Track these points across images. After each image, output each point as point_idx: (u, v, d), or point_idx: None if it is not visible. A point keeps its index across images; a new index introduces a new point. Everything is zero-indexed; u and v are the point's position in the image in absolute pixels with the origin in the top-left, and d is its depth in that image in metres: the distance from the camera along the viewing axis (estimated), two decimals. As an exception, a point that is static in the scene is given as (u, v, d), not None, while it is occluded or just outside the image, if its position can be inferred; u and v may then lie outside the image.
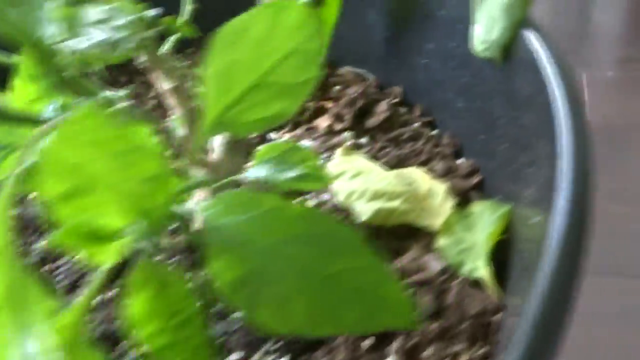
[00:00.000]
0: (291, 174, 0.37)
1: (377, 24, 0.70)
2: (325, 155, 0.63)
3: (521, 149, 0.43)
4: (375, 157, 0.62)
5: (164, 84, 0.57)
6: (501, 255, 0.44)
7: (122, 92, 0.48)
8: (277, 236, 0.28)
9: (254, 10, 0.33)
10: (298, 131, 0.68)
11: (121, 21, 0.35)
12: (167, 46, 0.55)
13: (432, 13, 0.61)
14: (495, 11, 0.45)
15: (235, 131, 0.35)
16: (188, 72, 0.52)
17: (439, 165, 0.58)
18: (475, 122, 0.56)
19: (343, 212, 0.55)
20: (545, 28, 0.43)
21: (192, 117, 0.57)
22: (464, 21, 0.54)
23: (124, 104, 0.47)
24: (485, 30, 0.48)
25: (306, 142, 0.65)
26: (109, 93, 0.50)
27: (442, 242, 0.48)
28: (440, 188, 0.53)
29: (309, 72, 0.36)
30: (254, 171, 0.37)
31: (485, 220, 0.48)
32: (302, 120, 0.70)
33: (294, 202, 0.59)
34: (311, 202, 0.58)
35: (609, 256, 1.32)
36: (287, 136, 0.67)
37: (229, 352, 0.46)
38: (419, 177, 0.56)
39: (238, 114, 0.34)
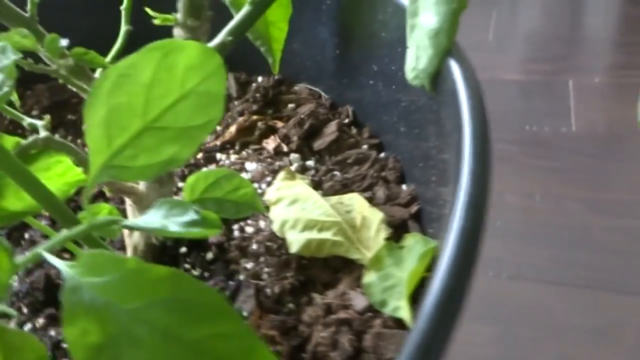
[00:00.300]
0: (187, 217, 0.36)
1: (329, 41, 0.69)
2: (269, 179, 0.62)
3: (444, 182, 0.42)
4: (320, 182, 0.61)
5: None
6: (421, 294, 0.43)
7: (40, 122, 0.47)
8: (140, 300, 0.26)
9: (141, 51, 0.32)
10: (245, 152, 0.67)
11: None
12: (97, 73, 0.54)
13: (376, 34, 0.60)
14: (423, 39, 0.44)
15: (125, 178, 0.33)
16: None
17: (380, 191, 0.57)
18: (414, 148, 0.55)
19: (278, 241, 0.53)
20: (467, 60, 0.41)
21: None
22: (403, 44, 0.52)
23: (43, 133, 0.46)
24: (414, 57, 0.46)
25: (252, 165, 0.64)
26: (29, 121, 0.49)
27: (369, 277, 0.46)
28: (376, 217, 0.52)
29: (208, 114, 0.35)
30: (148, 217, 0.36)
31: (413, 255, 0.46)
32: (250, 140, 0.68)
33: (235, 227, 0.58)
34: (249, 229, 0.56)
35: (591, 269, 1.31)
36: (233, 158, 0.65)
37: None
38: (357, 205, 0.54)
39: (127, 159, 0.33)
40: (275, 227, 0.53)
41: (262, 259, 0.52)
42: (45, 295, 0.55)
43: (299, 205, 0.54)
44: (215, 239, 0.56)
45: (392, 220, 0.53)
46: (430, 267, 0.45)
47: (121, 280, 0.27)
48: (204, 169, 0.63)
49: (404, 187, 0.58)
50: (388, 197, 0.56)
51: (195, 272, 0.55)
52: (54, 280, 0.55)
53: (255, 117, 0.70)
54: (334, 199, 0.56)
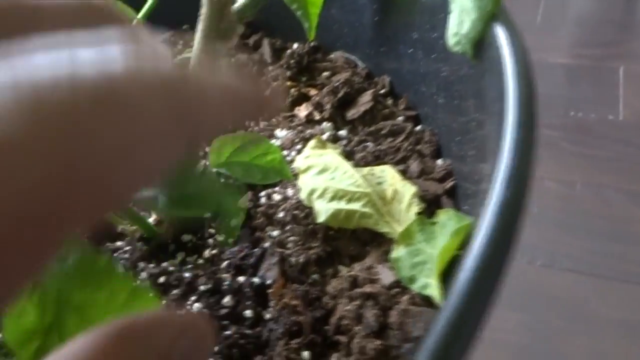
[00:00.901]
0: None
1: (367, 6, 0.66)
2: (299, 146, 0.60)
3: (482, 158, 0.39)
4: (351, 152, 0.59)
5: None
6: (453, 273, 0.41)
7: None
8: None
9: None
10: (276, 118, 0.65)
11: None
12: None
13: (419, -1, 0.57)
14: (466, 1, 0.41)
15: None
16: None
17: (414, 165, 0.55)
18: (452, 121, 0.52)
19: (305, 210, 0.52)
20: (515, 23, 0.38)
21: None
22: (445, 10, 0.49)
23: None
24: (457, 21, 0.43)
25: (282, 132, 0.62)
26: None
27: (398, 252, 0.44)
28: (408, 191, 0.50)
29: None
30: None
31: (446, 232, 0.44)
32: (283, 107, 0.66)
33: (262, 194, 0.57)
34: (276, 197, 0.55)
35: (629, 263, 1.25)
36: (263, 124, 0.64)
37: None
38: (389, 177, 0.52)
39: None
40: (303, 196, 0.51)
41: (288, 227, 0.51)
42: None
43: (328, 175, 0.52)
44: (243, 205, 0.55)
45: (425, 194, 0.50)
46: (464, 245, 0.42)
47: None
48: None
49: (439, 161, 0.56)
50: (422, 171, 0.54)
51: (220, 238, 0.54)
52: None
53: (288, 83, 0.67)
54: (366, 170, 0.53)
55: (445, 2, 0.50)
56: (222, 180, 0.56)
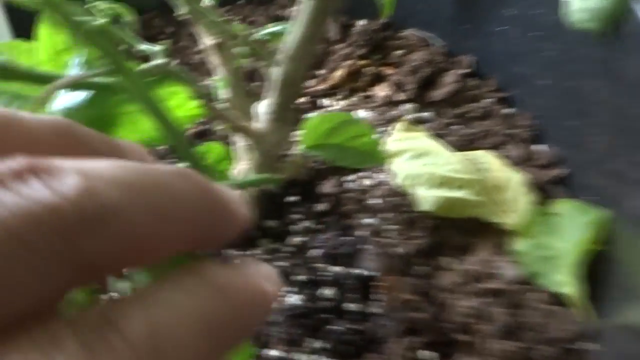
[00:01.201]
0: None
1: (450, -19, 0.62)
2: (382, 129, 0.56)
3: (628, 143, 0.36)
4: (439, 135, 0.55)
5: (206, 40, 0.51)
6: (594, 270, 0.37)
7: (159, 47, 0.43)
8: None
9: None
10: (354, 99, 0.61)
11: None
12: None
13: (520, -28, 0.53)
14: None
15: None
16: (230, 28, 0.45)
17: (514, 150, 0.51)
18: (563, 104, 0.48)
19: (401, 197, 0.48)
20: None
21: (235, 77, 0.50)
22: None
23: (161, 60, 0.41)
24: (588, -4, 0.39)
25: (362, 113, 0.58)
26: (144, 47, 0.45)
27: (520, 245, 0.41)
28: (516, 178, 0.46)
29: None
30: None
31: (574, 225, 0.41)
32: (358, 86, 0.63)
33: (349, 178, 0.53)
34: (366, 182, 0.51)
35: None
36: (341, 104, 0.60)
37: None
38: (490, 163, 0.48)
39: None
40: (399, 181, 0.48)
41: (383, 215, 0.47)
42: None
43: (425, 159, 0.48)
44: (329, 190, 0.52)
45: (531, 182, 0.47)
46: (599, 240, 0.39)
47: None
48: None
49: (540, 147, 0.52)
50: (524, 157, 0.50)
51: (307, 224, 0.51)
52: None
53: (361, 62, 0.64)
54: (461, 155, 0.50)
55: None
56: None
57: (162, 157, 0.55)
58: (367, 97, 0.61)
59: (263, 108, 0.45)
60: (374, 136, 0.47)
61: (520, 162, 0.50)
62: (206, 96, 0.42)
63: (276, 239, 0.50)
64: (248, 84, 0.64)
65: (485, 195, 0.45)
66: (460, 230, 0.45)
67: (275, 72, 0.42)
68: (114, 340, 0.10)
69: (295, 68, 0.41)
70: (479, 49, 0.61)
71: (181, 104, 0.43)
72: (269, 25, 0.51)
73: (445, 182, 0.46)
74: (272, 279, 0.14)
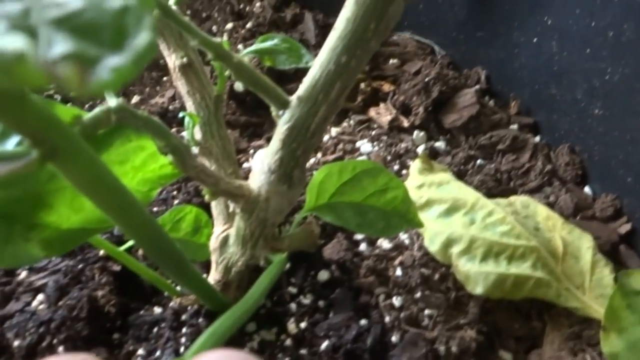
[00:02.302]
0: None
1: (459, -22, 0.51)
2: (396, 166, 0.45)
3: None
4: (460, 173, 0.44)
5: (169, 58, 0.37)
6: None
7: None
8: None
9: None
10: (349, 123, 0.49)
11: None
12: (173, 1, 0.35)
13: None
14: None
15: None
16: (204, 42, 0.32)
17: (562, 195, 0.41)
18: (619, 137, 0.39)
19: (438, 268, 0.37)
20: None
21: (211, 110, 0.37)
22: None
23: (114, 103, 0.28)
24: None
25: (365, 144, 0.46)
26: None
27: (611, 344, 0.31)
28: (586, 241, 0.36)
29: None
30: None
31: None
32: (352, 107, 0.51)
33: (361, 237, 0.41)
34: (384, 244, 0.40)
35: None
36: (333, 132, 0.48)
37: None
38: (542, 216, 0.38)
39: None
40: (432, 247, 0.37)
41: (417, 294, 0.36)
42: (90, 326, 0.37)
43: (464, 216, 0.38)
44: (335, 253, 0.40)
45: (597, 242, 0.37)
46: None
47: None
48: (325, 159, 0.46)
49: (587, 190, 0.43)
50: (577, 206, 0.40)
51: (305, 300, 0.39)
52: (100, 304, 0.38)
53: (354, 75, 0.52)
54: (501, 202, 0.40)
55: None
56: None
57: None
58: (366, 121, 0.49)
59: (261, 162, 0.32)
60: (403, 189, 0.35)
61: (572, 212, 0.40)
62: (181, 148, 0.29)
63: (272, 325, 0.38)
64: (237, 111, 0.51)
65: (550, 267, 0.35)
66: (521, 315, 0.35)
67: (283, 116, 0.29)
68: None
69: (310, 112, 0.29)
70: (493, 62, 0.51)
71: (146, 162, 0.30)
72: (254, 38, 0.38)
73: (499, 251, 0.35)
74: None
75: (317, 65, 0.28)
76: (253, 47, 0.36)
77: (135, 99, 0.55)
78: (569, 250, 0.36)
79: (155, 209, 0.45)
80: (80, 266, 0.41)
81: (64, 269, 0.41)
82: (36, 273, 0.41)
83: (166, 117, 0.50)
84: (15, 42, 0.11)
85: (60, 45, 0.13)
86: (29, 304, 0.40)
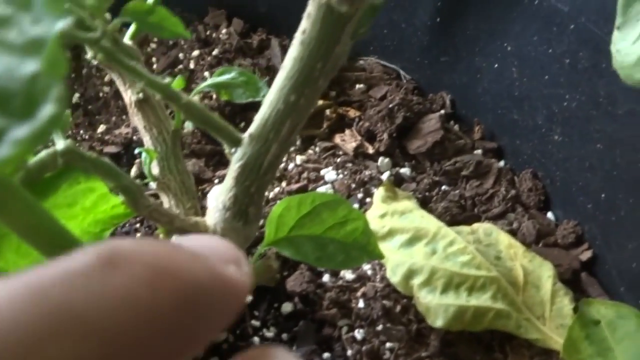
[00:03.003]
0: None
1: (423, 2, 0.51)
2: (360, 194, 0.45)
3: None
4: (425, 200, 0.45)
5: (125, 93, 0.37)
6: None
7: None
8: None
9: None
10: (314, 150, 0.49)
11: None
12: (129, 35, 0.35)
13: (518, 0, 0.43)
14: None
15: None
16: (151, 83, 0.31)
17: (525, 222, 0.41)
18: (580, 163, 0.39)
19: (399, 300, 0.37)
20: None
21: (168, 145, 0.37)
22: (574, 20, 0.36)
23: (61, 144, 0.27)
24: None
25: (329, 172, 0.46)
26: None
27: (570, 377, 0.31)
28: (547, 270, 0.37)
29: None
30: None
31: (628, 338, 0.31)
32: (318, 133, 0.51)
33: (317, 269, 0.41)
34: (347, 275, 0.40)
35: None
36: (299, 160, 0.48)
37: None
38: (504, 244, 0.39)
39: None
40: (394, 278, 0.37)
41: (379, 326, 0.36)
42: None
43: (425, 246, 0.38)
44: (298, 285, 0.39)
45: (557, 270, 0.37)
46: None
47: None
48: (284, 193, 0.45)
49: (549, 215, 0.43)
50: (539, 232, 0.41)
51: (269, 333, 0.38)
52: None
53: (321, 102, 0.52)
54: (464, 230, 0.40)
55: (575, 8, 0.37)
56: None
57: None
58: (330, 148, 0.49)
59: (215, 199, 0.32)
60: (363, 221, 0.35)
61: (534, 239, 0.40)
62: (132, 188, 0.29)
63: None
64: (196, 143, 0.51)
65: (511, 298, 0.35)
66: (482, 347, 0.35)
67: (236, 154, 0.29)
68: None
69: (261, 150, 0.29)
70: (457, 87, 0.51)
71: (97, 203, 0.29)
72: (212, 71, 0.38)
73: (460, 282, 0.35)
74: (234, 259, 0.13)
75: (267, 104, 0.28)
76: (209, 82, 0.35)
77: (101, 128, 0.55)
78: (530, 279, 0.36)
79: (117, 242, 0.44)
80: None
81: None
82: None
83: (130, 147, 0.50)
84: None
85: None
86: None
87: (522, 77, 0.44)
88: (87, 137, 0.53)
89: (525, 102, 0.44)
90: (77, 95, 0.59)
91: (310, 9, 0.24)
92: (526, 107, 0.44)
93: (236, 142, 0.29)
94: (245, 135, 0.29)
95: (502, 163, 0.47)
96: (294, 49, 0.26)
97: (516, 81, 0.45)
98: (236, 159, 0.29)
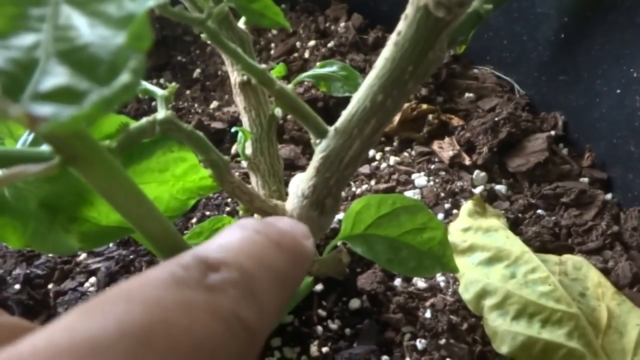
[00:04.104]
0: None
1: (550, 17, 0.48)
2: (448, 205, 0.44)
3: None
4: (516, 221, 0.43)
5: (232, 75, 0.39)
6: None
7: (162, 92, 0.31)
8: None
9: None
10: (410, 153, 0.49)
11: None
12: (243, 20, 0.36)
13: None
14: None
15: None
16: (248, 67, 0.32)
17: (621, 262, 0.38)
18: None
19: (467, 318, 0.36)
20: None
21: (264, 128, 0.38)
22: None
23: (162, 113, 0.29)
24: None
25: (420, 177, 0.46)
26: (146, 86, 0.33)
27: None
28: (633, 316, 0.34)
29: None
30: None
31: None
32: (416, 137, 0.50)
33: (390, 273, 0.41)
34: (420, 283, 0.39)
35: None
36: (391, 160, 0.48)
37: None
38: (593, 281, 0.36)
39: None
40: (466, 295, 0.36)
41: (442, 340, 0.35)
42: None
43: (505, 268, 0.36)
44: (368, 283, 0.40)
45: (649, 320, 0.34)
46: None
47: None
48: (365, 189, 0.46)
49: (653, 260, 0.39)
50: (636, 277, 0.37)
51: (333, 325, 0.39)
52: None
53: (425, 106, 0.51)
54: (551, 260, 0.37)
55: None
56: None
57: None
58: (426, 154, 0.48)
59: (297, 186, 0.32)
60: (442, 232, 0.35)
61: (629, 283, 0.37)
62: (220, 164, 0.31)
63: (295, 344, 0.38)
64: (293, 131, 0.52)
65: (588, 339, 0.33)
66: (546, 382, 0.33)
67: (320, 145, 0.30)
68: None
69: (345, 145, 0.29)
70: (572, 109, 0.48)
71: (187, 172, 0.32)
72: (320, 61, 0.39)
73: (534, 312, 0.33)
74: (307, 236, 0.18)
75: (355, 100, 0.28)
76: (310, 72, 0.36)
77: (213, 104, 0.58)
78: (614, 323, 0.33)
79: (208, 212, 0.47)
80: (131, 256, 0.44)
81: (117, 257, 0.44)
82: (93, 257, 0.45)
83: (235, 125, 0.52)
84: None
85: (54, 79, 0.14)
86: (82, 284, 0.43)
87: (645, 106, 0.41)
88: (200, 110, 0.57)
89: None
90: (198, 70, 0.63)
91: (408, 10, 0.24)
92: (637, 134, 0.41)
93: (322, 134, 0.30)
94: (331, 128, 0.29)
95: (609, 196, 0.44)
96: (388, 49, 0.26)
97: (638, 110, 0.41)
98: (320, 149, 0.30)
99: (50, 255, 0.45)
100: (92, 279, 0.43)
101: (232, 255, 0.16)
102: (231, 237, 0.17)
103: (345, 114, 0.29)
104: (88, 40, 0.16)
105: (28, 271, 0.44)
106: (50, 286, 0.43)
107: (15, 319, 0.18)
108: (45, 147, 0.26)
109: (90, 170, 0.21)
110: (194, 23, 0.26)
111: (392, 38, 0.26)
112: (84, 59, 0.15)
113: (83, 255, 0.45)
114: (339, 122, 0.30)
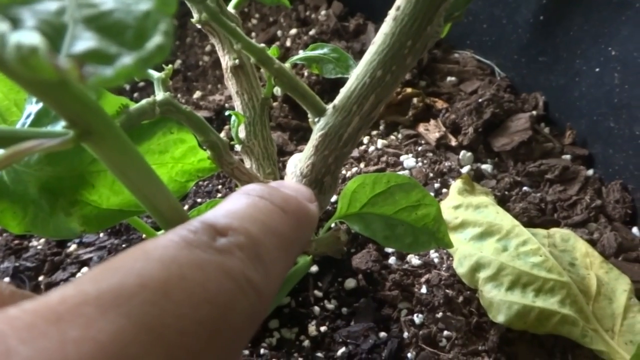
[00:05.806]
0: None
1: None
2: (437, 184, 0.45)
3: None
4: (503, 198, 0.44)
5: (223, 58, 0.39)
6: None
7: (158, 74, 0.31)
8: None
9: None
10: (397, 137, 0.49)
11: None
12: (232, 4, 0.36)
13: (631, 3, 0.41)
14: None
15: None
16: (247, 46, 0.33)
17: (606, 233, 0.40)
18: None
19: (463, 291, 0.37)
20: None
21: (256, 112, 0.39)
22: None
23: (160, 95, 0.29)
24: None
25: (409, 159, 0.47)
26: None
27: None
28: (623, 283, 0.35)
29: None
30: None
31: None
32: (402, 120, 0.51)
33: (392, 250, 0.42)
34: (414, 260, 0.40)
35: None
36: (379, 143, 0.48)
37: None
38: (581, 252, 0.37)
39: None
40: (460, 269, 0.37)
41: (439, 314, 0.36)
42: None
43: (497, 241, 0.37)
44: (364, 263, 0.40)
45: (635, 287, 0.36)
46: None
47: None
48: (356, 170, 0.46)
49: (635, 231, 0.41)
50: (620, 247, 0.39)
51: (329, 305, 0.39)
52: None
53: (409, 90, 0.52)
54: (539, 233, 0.39)
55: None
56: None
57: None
58: (413, 136, 0.49)
59: (295, 165, 0.33)
60: (435, 208, 0.35)
61: (614, 252, 0.39)
62: (219, 145, 0.31)
63: (293, 325, 0.39)
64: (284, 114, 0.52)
65: (580, 305, 0.34)
66: (544, 351, 0.34)
67: (318, 123, 0.30)
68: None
69: (343, 122, 0.29)
70: (552, 89, 0.49)
71: (186, 154, 0.32)
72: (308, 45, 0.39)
73: (528, 282, 0.34)
74: (311, 199, 0.19)
75: (354, 76, 0.28)
76: (302, 54, 0.37)
77: (197, 94, 0.58)
78: (603, 290, 0.35)
79: (199, 200, 0.47)
80: (124, 245, 0.44)
81: (109, 246, 0.44)
82: (84, 247, 0.44)
83: (221, 113, 0.52)
84: (31, 38, 0.12)
85: (84, 42, 0.14)
86: (73, 274, 0.43)
87: (623, 84, 0.42)
88: (183, 101, 0.57)
89: (624, 111, 0.42)
90: (179, 61, 0.62)
91: (408, -15, 0.25)
92: (624, 115, 0.42)
93: (320, 112, 0.30)
94: (330, 106, 0.30)
95: (590, 171, 0.45)
96: (387, 24, 0.26)
97: (617, 88, 0.43)
98: (318, 128, 0.30)
99: (39, 247, 0.44)
100: (85, 269, 0.43)
101: (238, 220, 0.16)
102: (237, 204, 0.17)
103: (343, 91, 0.29)
104: (112, 7, 0.16)
105: (17, 264, 0.43)
106: (41, 278, 0.42)
107: (11, 286, 0.18)
108: (51, 128, 0.26)
109: (104, 145, 0.21)
110: (195, 2, 0.26)
111: (391, 14, 0.27)
112: (110, 25, 0.15)
113: (73, 246, 0.44)
114: (338, 100, 0.30)
